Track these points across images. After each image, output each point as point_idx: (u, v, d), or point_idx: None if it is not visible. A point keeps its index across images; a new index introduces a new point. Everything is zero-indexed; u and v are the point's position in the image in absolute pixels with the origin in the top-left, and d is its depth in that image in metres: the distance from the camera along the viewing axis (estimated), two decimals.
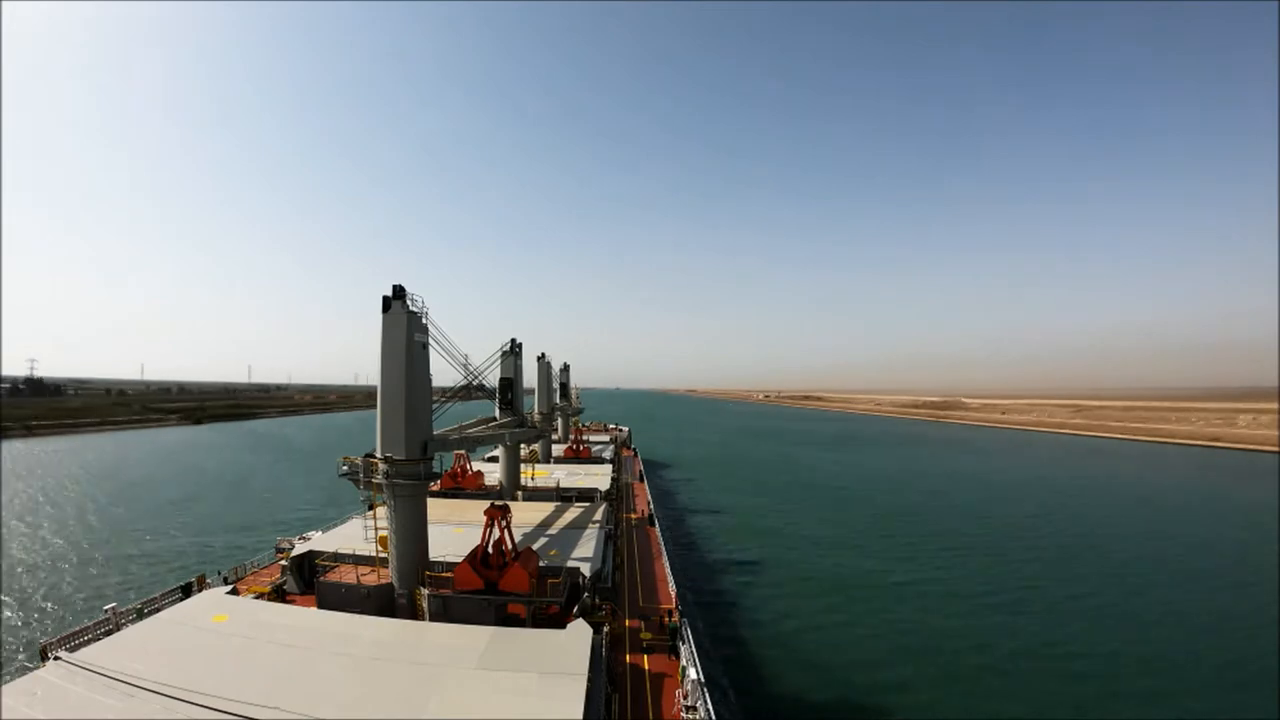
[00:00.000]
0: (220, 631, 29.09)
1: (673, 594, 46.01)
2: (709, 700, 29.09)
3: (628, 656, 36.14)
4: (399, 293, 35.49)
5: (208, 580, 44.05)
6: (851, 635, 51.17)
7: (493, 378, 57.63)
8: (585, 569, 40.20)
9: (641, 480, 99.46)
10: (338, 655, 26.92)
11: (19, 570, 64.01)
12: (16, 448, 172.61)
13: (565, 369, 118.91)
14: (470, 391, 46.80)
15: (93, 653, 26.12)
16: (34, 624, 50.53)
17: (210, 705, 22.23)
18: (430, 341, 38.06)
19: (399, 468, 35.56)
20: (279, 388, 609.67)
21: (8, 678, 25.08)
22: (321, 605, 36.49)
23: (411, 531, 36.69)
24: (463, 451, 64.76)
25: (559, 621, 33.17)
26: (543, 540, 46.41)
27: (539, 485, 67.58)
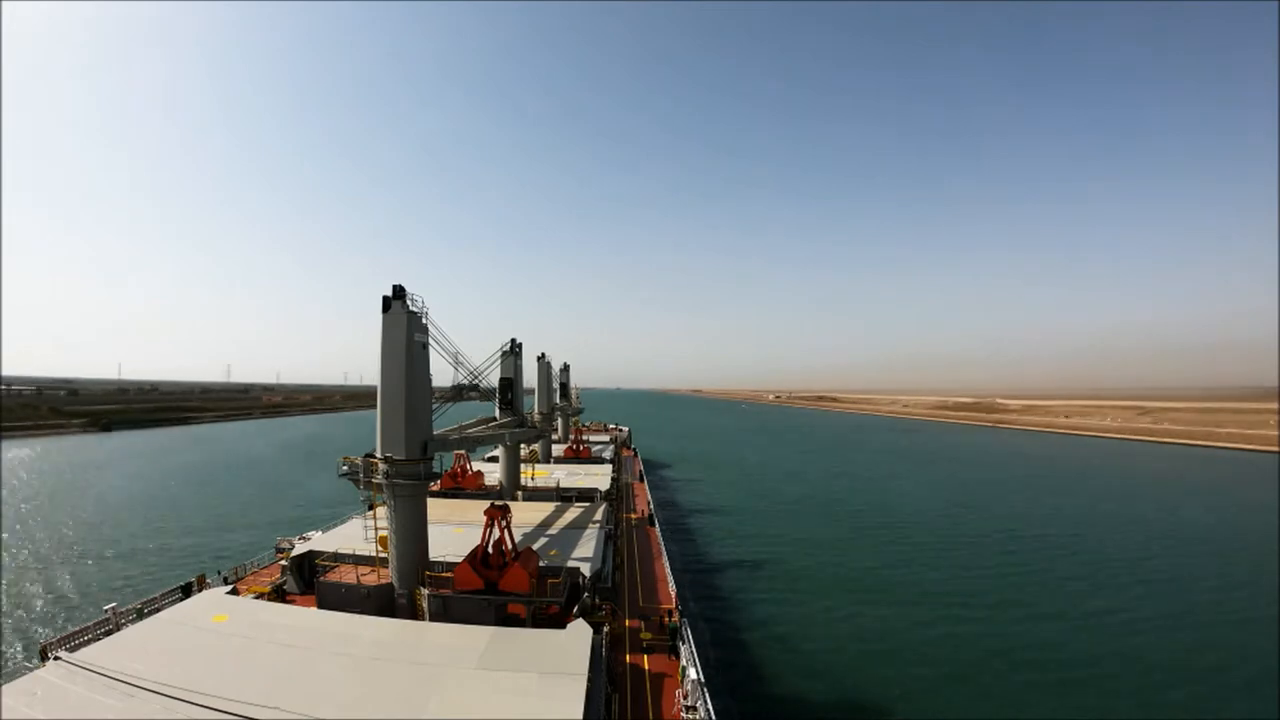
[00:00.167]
0: (220, 631, 29.11)
1: (673, 594, 46.01)
2: (709, 700, 29.07)
3: (628, 656, 36.14)
4: (399, 293, 35.51)
5: (208, 580, 44.05)
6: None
7: (493, 378, 57.66)
8: (585, 569, 40.21)
9: (641, 480, 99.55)
10: (338, 655, 26.94)
11: None
12: None
13: (565, 369, 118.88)
14: (462, 393, 45.26)
15: (93, 653, 26.14)
16: None
17: (210, 705, 22.24)
18: (430, 342, 38.10)
19: (399, 468, 35.58)
20: (267, 388, 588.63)
21: (7, 678, 25.00)
22: (321, 605, 36.50)
23: (411, 531, 36.71)
24: (463, 451, 64.81)
25: (559, 621, 33.17)
26: (543, 540, 46.41)
27: (539, 485, 67.60)
